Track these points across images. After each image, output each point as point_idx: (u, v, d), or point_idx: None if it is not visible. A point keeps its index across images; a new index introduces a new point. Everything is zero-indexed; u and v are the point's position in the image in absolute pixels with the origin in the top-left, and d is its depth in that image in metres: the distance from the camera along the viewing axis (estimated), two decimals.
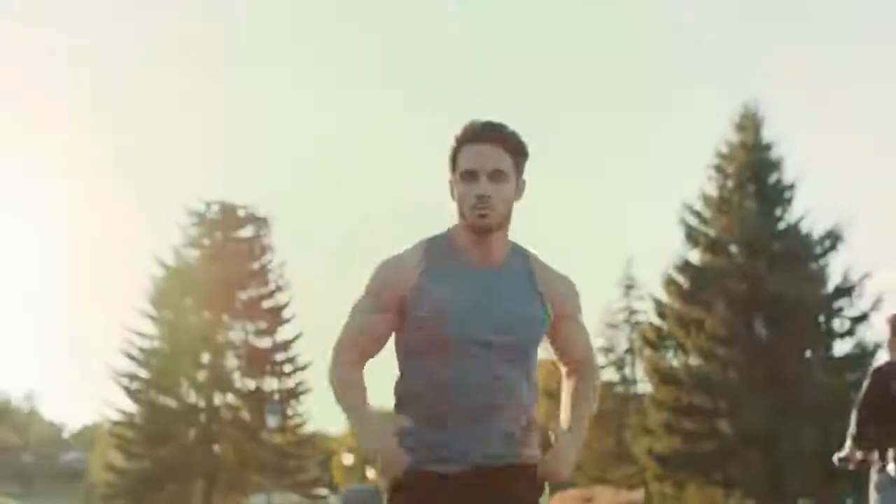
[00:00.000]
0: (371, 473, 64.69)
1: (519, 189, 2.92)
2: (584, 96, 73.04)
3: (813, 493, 25.42)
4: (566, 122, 71.26)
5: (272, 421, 29.82)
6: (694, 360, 27.32)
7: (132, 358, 34.51)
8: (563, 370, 3.09)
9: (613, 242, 62.79)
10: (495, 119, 2.93)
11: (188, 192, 66.28)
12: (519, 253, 2.97)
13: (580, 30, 73.73)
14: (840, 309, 26.96)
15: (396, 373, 2.94)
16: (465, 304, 2.84)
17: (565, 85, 73.50)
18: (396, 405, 2.94)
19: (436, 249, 2.93)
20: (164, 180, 70.14)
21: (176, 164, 68.56)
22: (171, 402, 34.55)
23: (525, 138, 2.95)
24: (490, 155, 2.84)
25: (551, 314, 2.93)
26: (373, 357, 2.97)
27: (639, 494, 31.40)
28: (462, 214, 2.88)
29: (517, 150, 2.89)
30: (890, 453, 5.18)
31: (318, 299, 63.08)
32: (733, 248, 27.28)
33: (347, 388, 2.91)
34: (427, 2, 79.10)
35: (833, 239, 27.11)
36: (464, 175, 2.85)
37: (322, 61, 74.98)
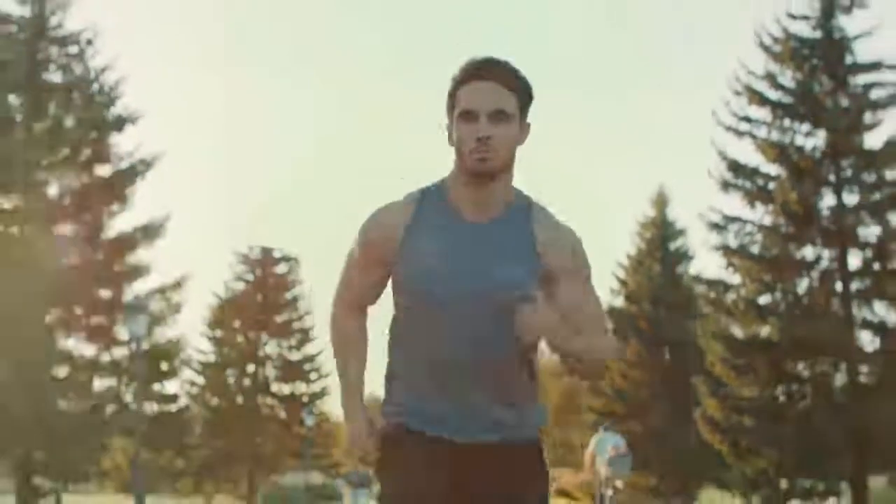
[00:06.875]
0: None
1: (523, 132, 2.87)
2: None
3: (697, 473, 39.92)
4: (553, 136, 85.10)
5: (309, 420, 43.79)
6: (616, 379, 41.81)
7: (192, 369, 48.25)
8: None
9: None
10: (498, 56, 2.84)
11: (232, 233, 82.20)
12: (522, 203, 2.91)
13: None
14: None
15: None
16: (448, 261, 2.84)
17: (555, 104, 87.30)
18: (388, 366, 3.03)
19: (427, 201, 2.92)
20: (215, 228, 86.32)
21: (225, 213, 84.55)
22: (222, 404, 48.32)
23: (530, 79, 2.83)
24: (491, 93, 2.79)
25: (542, 270, 2.85)
26: (372, 304, 3.09)
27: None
28: (460, 158, 2.83)
29: (522, 90, 2.85)
30: None
31: None
32: (644, 299, 41.67)
33: (342, 344, 3.08)
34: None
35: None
36: (462, 115, 2.80)
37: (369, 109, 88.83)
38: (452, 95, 2.86)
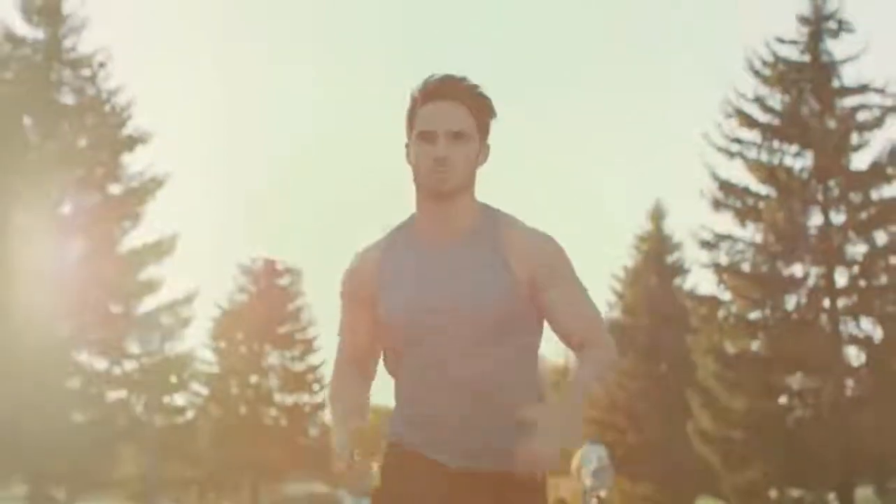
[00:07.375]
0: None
1: (483, 153, 2.85)
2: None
3: (692, 483, 41.04)
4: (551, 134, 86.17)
5: (313, 430, 45.07)
6: (614, 390, 42.94)
7: (197, 380, 49.24)
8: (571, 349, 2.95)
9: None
10: (458, 74, 2.83)
11: (238, 249, 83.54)
12: (490, 219, 2.87)
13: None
14: None
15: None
16: (417, 286, 2.82)
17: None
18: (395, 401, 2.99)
19: (396, 236, 2.91)
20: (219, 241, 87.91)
21: (229, 226, 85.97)
22: (226, 414, 49.48)
23: (491, 97, 2.83)
24: (450, 114, 2.77)
25: (521, 281, 2.79)
26: (375, 357, 3.04)
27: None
28: (418, 180, 2.83)
29: (481, 109, 2.83)
30: None
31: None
32: (642, 311, 42.84)
33: (332, 397, 3.02)
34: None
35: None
36: (421, 136, 2.79)
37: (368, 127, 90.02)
38: (411, 114, 2.84)
